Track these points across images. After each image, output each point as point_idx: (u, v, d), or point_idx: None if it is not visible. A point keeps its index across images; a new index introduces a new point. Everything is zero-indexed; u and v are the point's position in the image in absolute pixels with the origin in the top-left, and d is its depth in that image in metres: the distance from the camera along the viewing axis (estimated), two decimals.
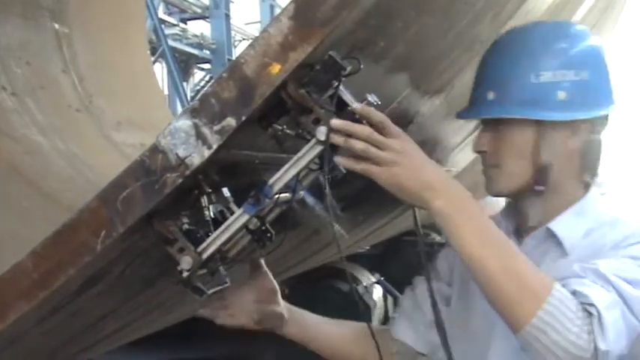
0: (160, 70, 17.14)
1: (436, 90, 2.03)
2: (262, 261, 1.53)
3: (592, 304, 1.22)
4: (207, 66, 21.47)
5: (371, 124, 1.27)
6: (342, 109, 1.29)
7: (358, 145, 1.25)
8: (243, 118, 1.22)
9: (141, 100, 4.96)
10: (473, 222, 1.28)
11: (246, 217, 1.34)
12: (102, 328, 1.97)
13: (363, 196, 2.24)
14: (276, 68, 1.21)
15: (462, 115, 1.52)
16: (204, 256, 1.35)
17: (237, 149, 1.43)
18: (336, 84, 1.27)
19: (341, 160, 1.27)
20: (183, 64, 19.18)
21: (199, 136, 1.24)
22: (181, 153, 1.25)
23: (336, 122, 1.24)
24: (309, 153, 1.31)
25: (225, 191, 1.39)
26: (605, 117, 1.49)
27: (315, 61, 1.26)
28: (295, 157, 1.33)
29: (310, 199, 1.74)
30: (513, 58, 1.45)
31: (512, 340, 1.33)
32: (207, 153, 1.24)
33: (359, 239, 3.84)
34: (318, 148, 1.30)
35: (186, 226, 1.37)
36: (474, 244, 1.26)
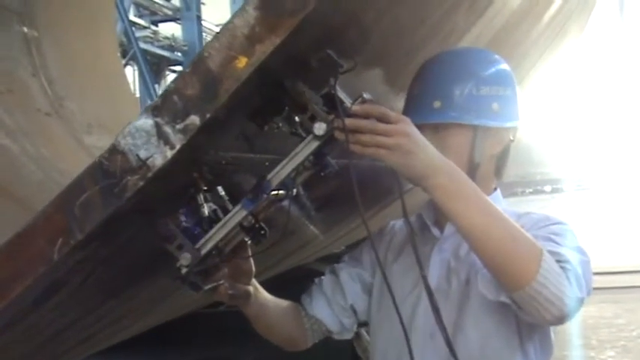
0: (132, 73, 16.97)
1: None
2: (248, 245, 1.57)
3: (567, 261, 1.44)
4: (179, 68, 21.28)
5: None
6: (336, 105, 1.32)
7: (363, 138, 1.34)
8: (208, 116, 1.15)
9: (112, 102, 4.87)
10: (474, 195, 1.44)
11: (243, 213, 1.38)
12: (65, 339, 1.88)
13: (336, 196, 2.18)
14: (242, 62, 1.13)
15: (410, 119, 1.58)
16: (203, 252, 1.38)
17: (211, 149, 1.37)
18: (333, 82, 1.32)
19: (353, 147, 1.35)
20: (154, 67, 19.00)
21: (161, 135, 1.17)
22: (142, 154, 1.18)
23: (342, 122, 1.32)
24: (306, 148, 1.35)
25: (220, 189, 1.44)
26: (516, 129, 1.75)
27: (311, 58, 1.26)
28: (292, 153, 1.36)
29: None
30: (457, 74, 1.68)
31: (431, 340, 1.62)
32: (169, 153, 1.17)
33: (335, 239, 3.78)
34: (315, 144, 1.34)
35: (183, 224, 1.39)
36: (477, 214, 1.43)
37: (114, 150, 1.18)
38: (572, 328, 6.91)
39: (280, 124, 1.36)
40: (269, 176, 1.37)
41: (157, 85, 17.60)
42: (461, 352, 1.54)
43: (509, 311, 1.54)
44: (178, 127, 1.16)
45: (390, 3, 1.41)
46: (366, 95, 1.37)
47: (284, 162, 1.36)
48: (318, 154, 1.36)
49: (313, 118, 1.32)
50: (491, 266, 1.45)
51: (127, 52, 15.36)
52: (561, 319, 1.45)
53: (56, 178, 3.77)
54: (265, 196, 1.37)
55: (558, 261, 1.43)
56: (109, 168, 1.19)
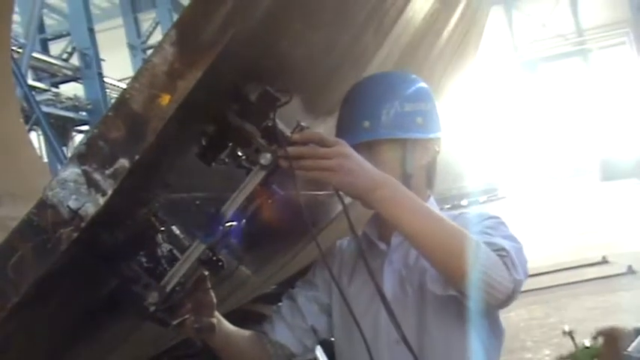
0: (37, 138, 16.49)
1: (328, 111, 2.00)
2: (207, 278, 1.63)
3: (502, 249, 1.56)
4: (86, 128, 20.82)
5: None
6: (277, 136, 1.41)
7: (306, 163, 1.45)
8: (137, 158, 1.14)
9: (20, 171, 4.72)
10: (413, 202, 1.54)
11: (202, 247, 1.44)
12: None
13: (264, 232, 2.18)
14: (165, 99, 1.13)
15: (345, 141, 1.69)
16: (168, 289, 1.44)
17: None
18: (272, 115, 1.41)
19: (298, 172, 1.45)
20: (60, 129, 18.53)
21: (90, 183, 1.15)
22: (73, 204, 1.15)
23: (285, 151, 1.41)
24: (254, 179, 1.43)
25: (175, 229, 1.51)
26: (440, 139, 1.88)
27: (249, 93, 1.32)
28: (242, 185, 1.43)
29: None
30: (381, 95, 1.80)
31: (398, 346, 1.65)
32: (102, 200, 1.14)
33: (268, 277, 3.75)
34: (262, 174, 1.42)
35: (145, 265, 1.45)
36: (419, 219, 1.52)
37: (43, 204, 1.15)
38: (506, 332, 7.03)
39: (226, 160, 1.42)
40: (223, 209, 1.43)
41: (64, 148, 17.18)
42: (428, 351, 1.72)
43: (462, 304, 1.63)
44: (108, 172, 1.14)
45: (302, 30, 1.44)
46: (303, 123, 1.48)
47: (235, 194, 1.43)
48: (264, 183, 1.44)
49: (258, 150, 1.41)
50: (437, 264, 1.55)
51: (30, 117, 14.94)
52: (506, 301, 1.58)
53: None
54: (221, 228, 1.43)
55: (495, 250, 1.55)
56: (40, 223, 1.15)
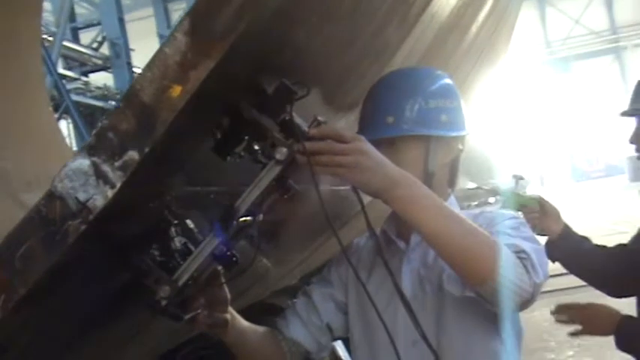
0: (66, 126, 16.65)
1: (350, 105, 1.96)
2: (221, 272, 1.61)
3: (523, 251, 1.52)
4: None
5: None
6: (294, 130, 1.38)
7: (322, 159, 1.41)
8: (147, 150, 1.11)
9: (49, 158, 4.76)
10: (432, 202, 1.50)
11: (215, 242, 1.42)
12: None
13: (286, 225, 2.15)
14: (177, 90, 1.10)
15: (366, 136, 1.64)
16: (180, 283, 1.42)
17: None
18: (289, 109, 1.37)
19: (315, 168, 1.41)
20: (89, 118, 18.67)
21: (99, 175, 1.12)
22: (81, 196, 1.13)
23: (301, 146, 1.38)
24: (269, 174, 1.40)
25: (189, 222, 1.48)
26: (464, 138, 1.85)
27: (266, 86, 1.29)
28: (257, 179, 1.40)
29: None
30: (406, 90, 1.77)
31: (414, 348, 1.65)
32: (110, 193, 1.12)
33: (289, 270, 3.73)
34: (278, 168, 1.39)
35: (158, 259, 1.44)
36: (438, 219, 1.48)
37: (51, 196, 1.13)
38: (529, 332, 6.94)
39: (242, 154, 1.40)
40: (237, 203, 1.41)
41: None
42: (446, 351, 1.70)
43: (481, 304, 1.59)
44: (117, 164, 1.12)
45: (320, 21, 1.40)
46: (320, 118, 1.45)
47: (250, 188, 1.41)
48: (279, 178, 1.41)
49: (274, 145, 1.38)
50: (455, 265, 1.51)
51: (59, 105, 15.08)
52: (524, 304, 1.55)
53: None
54: (235, 223, 1.41)
55: (515, 252, 1.51)
56: (48, 215, 1.13)
